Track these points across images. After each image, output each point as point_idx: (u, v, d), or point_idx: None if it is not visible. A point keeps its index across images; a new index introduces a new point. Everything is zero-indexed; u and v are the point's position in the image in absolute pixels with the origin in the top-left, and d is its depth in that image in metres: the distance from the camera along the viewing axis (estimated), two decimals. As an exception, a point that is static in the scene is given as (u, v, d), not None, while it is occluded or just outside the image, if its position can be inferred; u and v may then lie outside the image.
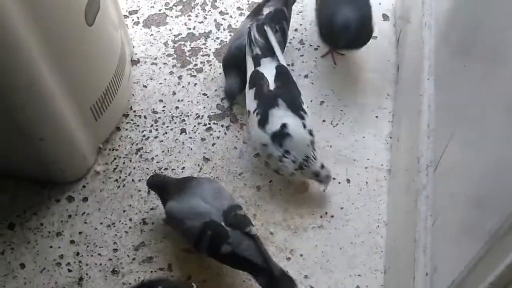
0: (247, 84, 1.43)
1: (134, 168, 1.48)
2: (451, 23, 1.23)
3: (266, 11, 1.55)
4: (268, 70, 1.41)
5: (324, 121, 1.54)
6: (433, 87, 1.19)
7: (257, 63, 1.42)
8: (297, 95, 1.40)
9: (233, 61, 1.53)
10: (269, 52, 1.43)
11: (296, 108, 1.36)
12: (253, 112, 1.37)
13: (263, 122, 1.35)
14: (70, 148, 1.38)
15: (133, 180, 1.46)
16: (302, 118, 1.35)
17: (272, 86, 1.38)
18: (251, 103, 1.39)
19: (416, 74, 1.29)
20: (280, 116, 1.34)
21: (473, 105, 0.94)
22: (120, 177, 1.47)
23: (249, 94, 1.41)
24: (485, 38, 0.96)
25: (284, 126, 1.33)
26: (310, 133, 1.35)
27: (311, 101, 1.56)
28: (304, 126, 1.34)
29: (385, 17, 1.73)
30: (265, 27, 1.46)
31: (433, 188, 1.07)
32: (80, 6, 1.25)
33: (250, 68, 1.44)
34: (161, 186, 1.33)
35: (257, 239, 1.22)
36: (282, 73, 1.41)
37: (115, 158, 1.50)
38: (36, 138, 1.31)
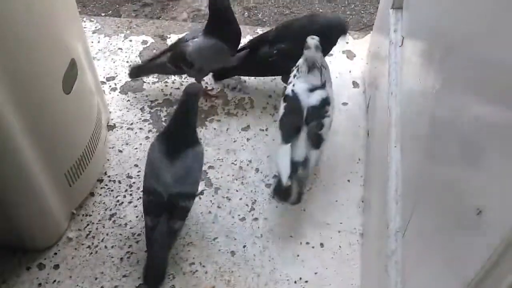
0: None
1: (107, 234, 1.47)
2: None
3: None
4: None
5: (297, 185, 1.56)
6: (399, 154, 1.24)
7: None
8: None
9: None
10: None
11: None
12: None
13: None
14: (42, 215, 1.38)
15: (105, 247, 1.45)
16: None
17: None
18: None
19: (384, 141, 1.33)
20: None
21: (435, 170, 0.98)
22: (92, 243, 1.45)
23: None
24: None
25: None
26: None
27: (284, 166, 1.59)
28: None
29: (355, 84, 1.80)
30: None
31: (402, 254, 1.09)
32: (58, 75, 1.28)
33: None
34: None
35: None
36: None
37: (88, 224, 1.49)
38: (7, 203, 1.30)
